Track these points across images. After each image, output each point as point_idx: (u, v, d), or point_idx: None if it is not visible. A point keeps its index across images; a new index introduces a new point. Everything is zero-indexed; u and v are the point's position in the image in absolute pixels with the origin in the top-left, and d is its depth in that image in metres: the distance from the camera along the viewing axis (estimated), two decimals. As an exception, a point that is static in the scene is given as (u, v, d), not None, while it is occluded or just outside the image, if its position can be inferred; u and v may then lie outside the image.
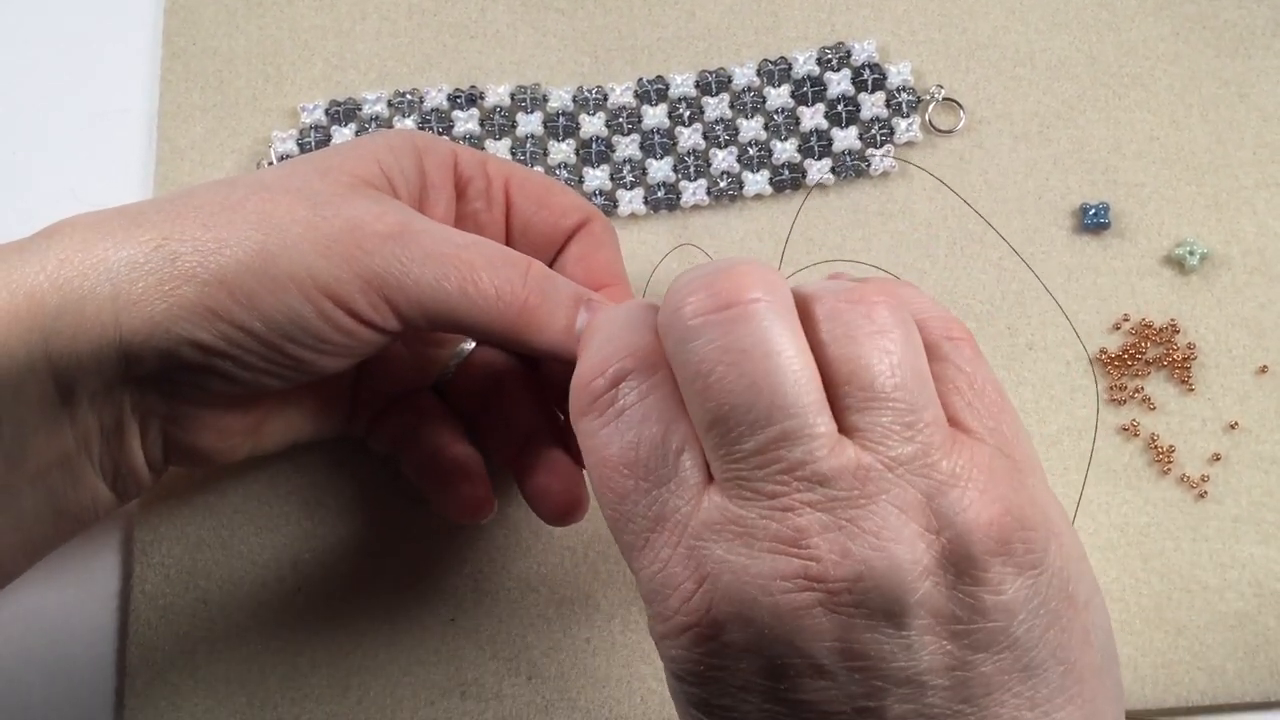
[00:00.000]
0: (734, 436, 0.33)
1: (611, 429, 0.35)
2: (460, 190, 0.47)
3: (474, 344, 0.49)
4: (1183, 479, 0.52)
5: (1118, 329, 0.54)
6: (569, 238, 0.48)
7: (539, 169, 0.56)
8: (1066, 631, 0.34)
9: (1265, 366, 0.53)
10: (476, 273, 0.40)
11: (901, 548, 0.32)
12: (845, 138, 0.56)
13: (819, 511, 0.32)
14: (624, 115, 0.57)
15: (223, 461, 0.47)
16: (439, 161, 0.46)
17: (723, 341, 0.33)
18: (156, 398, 0.41)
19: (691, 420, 0.34)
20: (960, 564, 0.33)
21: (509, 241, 0.47)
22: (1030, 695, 0.33)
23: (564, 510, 0.45)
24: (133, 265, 0.38)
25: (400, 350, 0.48)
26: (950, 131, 0.56)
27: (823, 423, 0.33)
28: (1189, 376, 0.53)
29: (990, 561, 0.33)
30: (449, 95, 0.57)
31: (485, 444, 0.48)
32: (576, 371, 0.37)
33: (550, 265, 0.47)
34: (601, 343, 0.37)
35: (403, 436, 0.48)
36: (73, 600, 0.52)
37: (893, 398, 0.33)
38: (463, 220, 0.47)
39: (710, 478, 0.34)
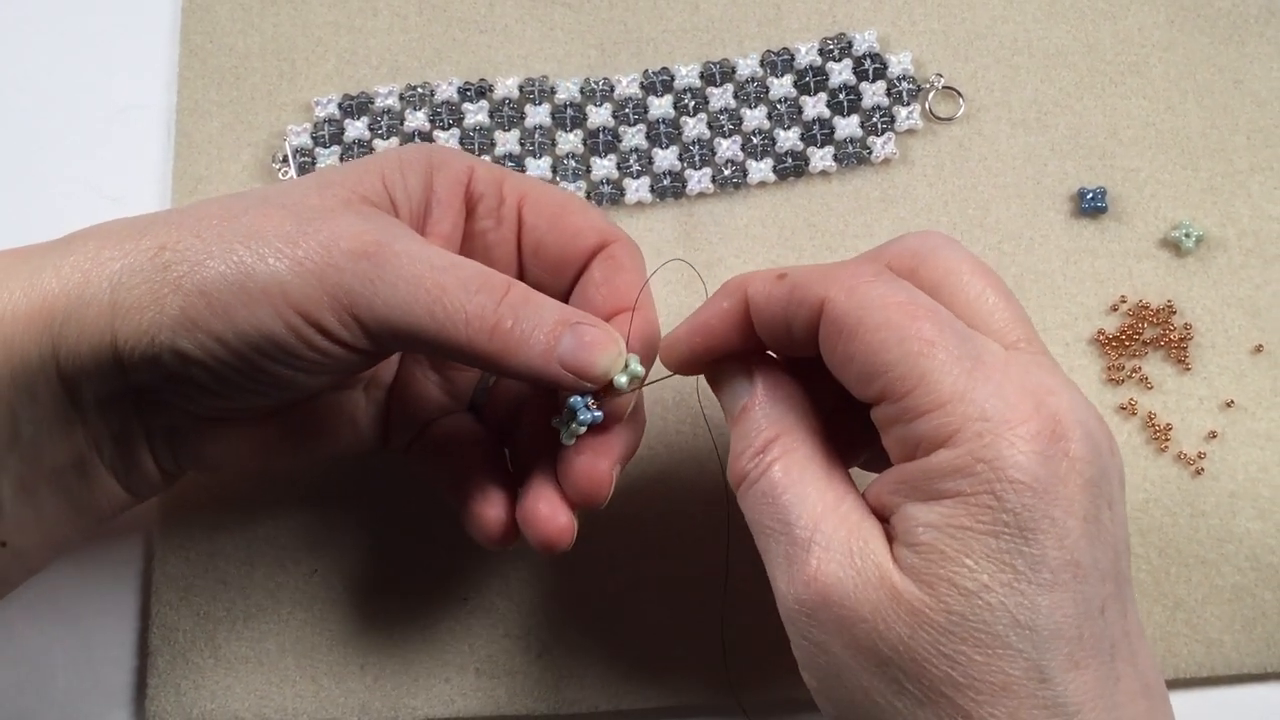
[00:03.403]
0: None
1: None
2: (470, 207, 0.46)
3: None
4: (1180, 456, 0.53)
5: (1115, 310, 0.55)
6: (589, 260, 0.46)
7: (547, 159, 0.57)
8: None
9: (1260, 346, 0.54)
10: (447, 295, 0.39)
11: None
12: (847, 126, 0.57)
13: None
14: (630, 106, 0.58)
15: (239, 470, 0.47)
16: (451, 178, 0.45)
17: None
18: (154, 409, 0.42)
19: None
20: None
21: (520, 261, 0.47)
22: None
23: (546, 538, 0.44)
24: (131, 272, 0.39)
25: (429, 373, 0.48)
26: (950, 119, 0.57)
27: None
28: (1186, 356, 0.54)
29: None
30: (459, 88, 0.58)
31: (515, 467, 0.47)
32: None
33: (570, 287, 0.46)
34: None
35: (436, 458, 0.48)
36: (96, 581, 0.53)
37: None
38: (470, 238, 0.46)
39: None
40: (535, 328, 0.40)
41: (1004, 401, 0.36)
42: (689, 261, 0.55)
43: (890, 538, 0.38)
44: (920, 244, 0.41)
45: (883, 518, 0.38)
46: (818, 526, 0.38)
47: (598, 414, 0.43)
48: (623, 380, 0.42)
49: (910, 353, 0.37)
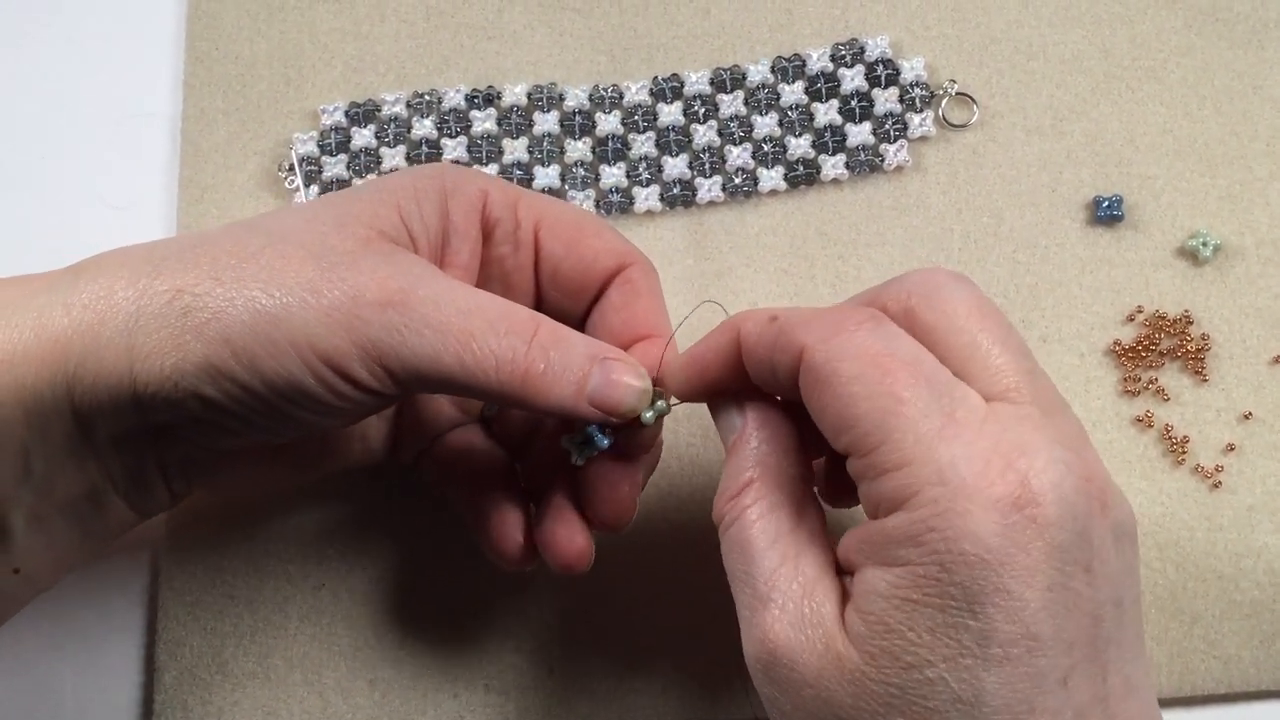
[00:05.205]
0: None
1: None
2: (487, 233, 0.45)
3: None
4: (1197, 469, 0.52)
5: (1131, 320, 0.54)
6: (607, 282, 0.46)
7: (555, 167, 0.56)
8: None
9: (1279, 357, 0.53)
10: (476, 341, 0.39)
11: None
12: (859, 133, 0.56)
13: None
14: (640, 113, 0.57)
15: (252, 492, 0.47)
16: (466, 204, 0.44)
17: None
18: (169, 442, 0.42)
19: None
20: None
21: (537, 286, 0.47)
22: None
23: (566, 561, 0.44)
24: (149, 316, 0.38)
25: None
26: (964, 126, 0.57)
27: None
28: (1203, 367, 0.53)
29: None
30: (467, 95, 0.57)
31: (527, 481, 0.48)
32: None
33: (588, 311, 0.46)
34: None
35: (447, 472, 0.48)
36: (103, 598, 0.53)
37: None
38: (488, 264, 0.46)
39: None
40: (565, 368, 0.40)
41: (969, 464, 0.35)
42: (700, 270, 0.55)
43: (848, 595, 0.37)
44: (920, 283, 0.39)
45: (848, 571, 0.38)
46: (774, 584, 0.38)
47: (612, 438, 0.43)
48: (649, 415, 0.42)
49: (877, 408, 0.36)
